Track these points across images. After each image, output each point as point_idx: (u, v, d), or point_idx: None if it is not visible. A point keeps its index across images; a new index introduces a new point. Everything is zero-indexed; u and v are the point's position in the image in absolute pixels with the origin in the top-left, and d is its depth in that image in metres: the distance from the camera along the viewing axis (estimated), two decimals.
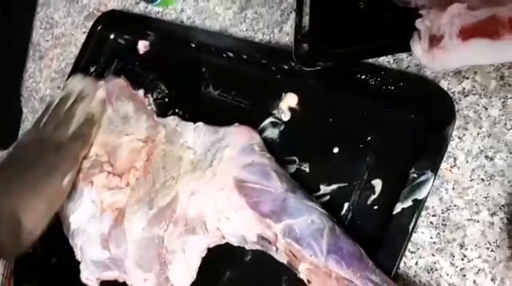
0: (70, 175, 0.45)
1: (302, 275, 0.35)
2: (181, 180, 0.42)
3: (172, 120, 0.47)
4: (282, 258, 0.37)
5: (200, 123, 0.45)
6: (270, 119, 0.45)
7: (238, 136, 0.42)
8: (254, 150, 0.40)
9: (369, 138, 0.40)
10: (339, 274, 0.33)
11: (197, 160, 0.43)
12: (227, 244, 0.40)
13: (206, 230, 0.39)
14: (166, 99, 0.52)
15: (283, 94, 0.45)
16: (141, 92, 0.52)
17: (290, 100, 0.44)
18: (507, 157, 0.35)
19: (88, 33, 0.59)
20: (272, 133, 0.44)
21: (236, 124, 0.44)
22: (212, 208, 0.39)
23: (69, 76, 0.58)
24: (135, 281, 0.43)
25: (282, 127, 0.44)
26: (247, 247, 0.39)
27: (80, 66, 0.58)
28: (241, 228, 0.38)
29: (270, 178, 0.38)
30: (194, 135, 0.45)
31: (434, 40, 0.34)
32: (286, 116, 0.44)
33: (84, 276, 0.46)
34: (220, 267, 0.43)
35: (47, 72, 0.64)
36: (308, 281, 0.35)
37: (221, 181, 0.39)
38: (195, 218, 0.40)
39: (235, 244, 0.40)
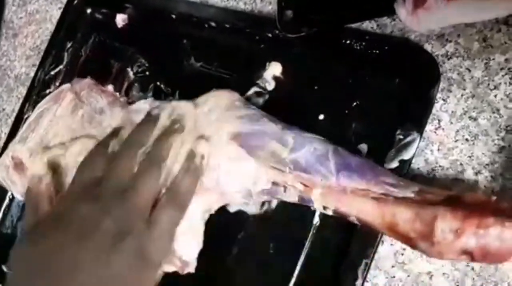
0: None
1: (317, 204, 0.35)
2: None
3: (143, 104, 0.46)
4: (292, 196, 0.36)
5: (174, 102, 0.44)
6: (255, 89, 0.44)
7: (219, 99, 0.41)
8: (239, 105, 0.40)
9: (354, 104, 0.40)
10: (354, 187, 0.33)
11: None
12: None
13: (203, 187, 0.38)
14: (147, 73, 0.51)
15: (267, 63, 0.44)
16: (110, 87, 0.51)
17: (274, 69, 0.44)
18: (490, 116, 0.35)
19: (64, 8, 0.57)
20: (257, 103, 0.44)
21: (213, 89, 0.43)
22: (208, 165, 0.38)
23: (45, 52, 0.56)
24: None
25: (266, 96, 0.44)
26: (252, 201, 0.39)
27: (56, 43, 0.57)
28: (245, 179, 0.37)
29: (263, 122, 0.38)
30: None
31: (419, 2, 0.34)
32: (270, 86, 0.44)
33: None
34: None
35: (22, 50, 0.62)
36: (324, 207, 0.35)
37: (214, 140, 0.39)
38: None
39: (240, 200, 0.39)
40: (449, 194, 0.31)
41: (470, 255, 0.30)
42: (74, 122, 0.48)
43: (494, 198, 0.30)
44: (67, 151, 0.45)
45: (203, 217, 0.40)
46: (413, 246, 0.32)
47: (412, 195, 0.32)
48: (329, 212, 0.35)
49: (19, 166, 0.48)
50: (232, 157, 0.37)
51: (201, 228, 0.40)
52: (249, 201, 0.39)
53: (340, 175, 0.34)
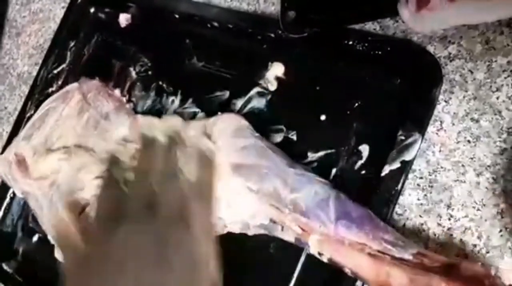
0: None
1: (313, 249, 0.34)
2: None
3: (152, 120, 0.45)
4: (289, 236, 0.36)
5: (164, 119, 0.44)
6: (257, 89, 0.44)
7: (227, 124, 0.41)
8: (245, 135, 0.39)
9: (356, 104, 0.40)
10: (352, 240, 0.33)
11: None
12: None
13: None
14: (149, 72, 0.51)
15: (269, 63, 0.44)
16: (117, 92, 0.51)
17: (276, 69, 0.44)
18: (492, 118, 0.35)
19: (67, 7, 0.58)
20: (259, 103, 0.44)
21: (219, 113, 0.43)
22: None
23: (48, 51, 0.57)
24: None
25: (269, 97, 0.44)
26: (250, 232, 0.38)
27: (59, 42, 0.57)
28: (244, 212, 0.37)
29: (267, 156, 0.37)
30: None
31: (422, 2, 0.34)
32: (272, 86, 0.44)
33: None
34: None
35: (25, 48, 0.62)
36: (319, 254, 0.34)
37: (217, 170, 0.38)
38: None
39: (237, 231, 0.38)
40: (446, 261, 0.31)
41: None
42: (79, 124, 0.47)
43: (493, 272, 0.30)
44: (69, 159, 0.45)
45: None
46: None
47: (409, 257, 0.32)
48: (324, 259, 0.34)
49: (22, 163, 0.48)
50: (233, 189, 0.37)
51: None
52: (247, 233, 0.38)
53: (339, 223, 0.33)
